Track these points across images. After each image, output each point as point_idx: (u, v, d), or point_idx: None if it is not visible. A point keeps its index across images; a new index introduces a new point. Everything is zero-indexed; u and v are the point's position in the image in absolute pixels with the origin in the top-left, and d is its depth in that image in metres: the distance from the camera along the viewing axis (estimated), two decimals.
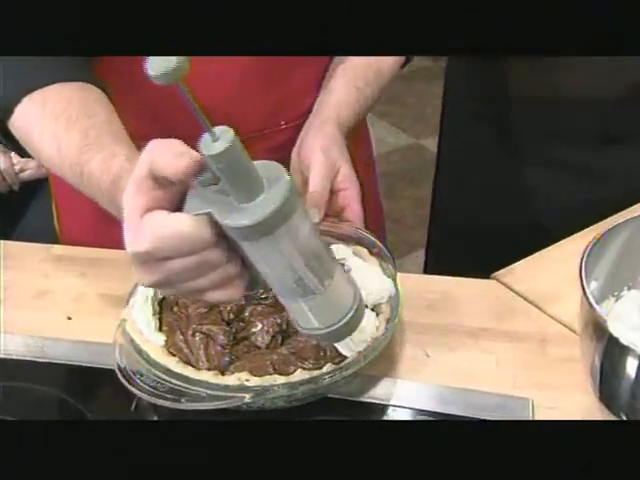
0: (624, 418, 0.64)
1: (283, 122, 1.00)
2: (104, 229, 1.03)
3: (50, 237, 1.11)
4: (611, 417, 0.66)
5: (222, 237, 0.59)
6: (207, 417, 0.70)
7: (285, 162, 0.98)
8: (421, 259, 1.35)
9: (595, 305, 0.61)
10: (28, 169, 1.64)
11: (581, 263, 0.65)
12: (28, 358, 0.83)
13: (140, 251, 0.59)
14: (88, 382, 0.82)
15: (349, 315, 0.64)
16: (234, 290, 0.63)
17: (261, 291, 0.78)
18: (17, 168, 1.64)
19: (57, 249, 1.01)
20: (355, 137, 1.12)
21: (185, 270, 0.60)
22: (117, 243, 1.01)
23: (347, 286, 0.65)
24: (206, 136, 0.54)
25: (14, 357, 0.83)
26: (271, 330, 0.75)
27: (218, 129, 0.55)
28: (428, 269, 1.33)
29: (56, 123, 0.80)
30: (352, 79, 0.97)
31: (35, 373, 0.82)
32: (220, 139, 0.54)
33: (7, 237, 1.08)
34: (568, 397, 0.76)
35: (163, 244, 0.58)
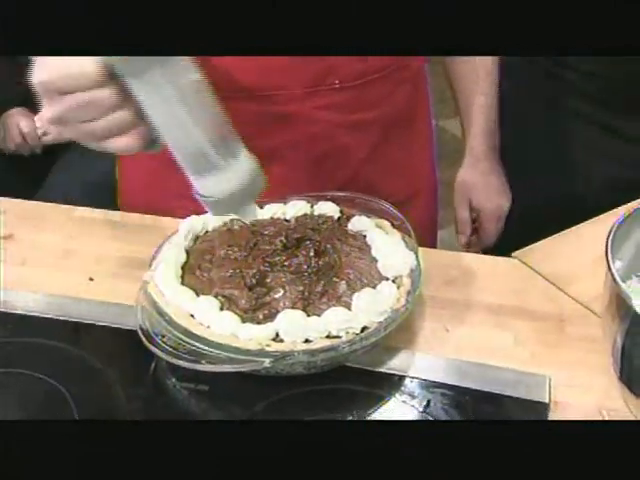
0: None
1: (337, 81, 1.00)
2: (161, 183, 1.06)
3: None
4: (630, 397, 0.66)
5: (116, 82, 0.64)
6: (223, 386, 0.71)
7: (339, 124, 1.01)
8: (443, 237, 1.34)
9: (620, 281, 0.61)
10: (51, 133, 1.65)
11: (607, 241, 0.65)
12: (49, 316, 0.84)
13: (41, 80, 0.65)
14: (108, 341, 0.82)
15: (238, 188, 0.68)
16: (130, 139, 0.67)
17: (285, 258, 0.78)
18: (40, 132, 1.65)
19: (80, 211, 1.01)
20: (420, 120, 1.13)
21: (78, 107, 0.65)
22: (173, 196, 1.04)
23: (241, 157, 0.68)
24: None
25: (35, 314, 0.84)
26: (293, 297, 0.75)
27: None
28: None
29: None
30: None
31: (55, 330, 0.83)
32: None
33: (28, 198, 1.09)
34: (586, 376, 0.76)
35: (58, 76, 0.64)
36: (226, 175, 0.68)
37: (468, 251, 1.25)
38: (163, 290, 0.76)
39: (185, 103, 0.64)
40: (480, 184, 1.21)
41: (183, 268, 0.80)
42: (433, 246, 1.18)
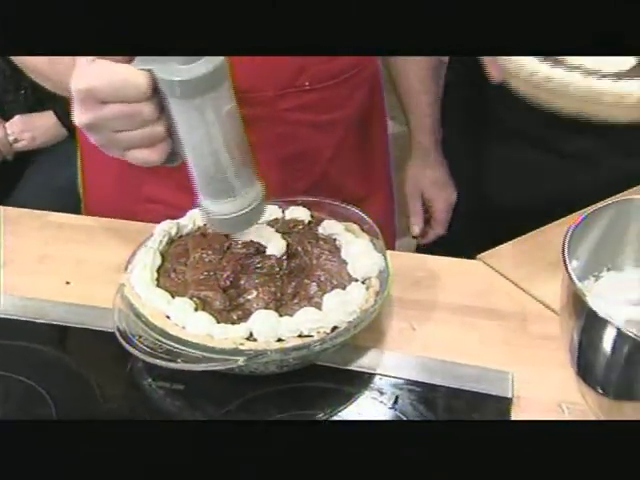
0: (600, 391, 0.67)
1: (307, 83, 1.03)
2: (129, 188, 1.08)
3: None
4: (587, 390, 0.70)
5: (157, 97, 0.66)
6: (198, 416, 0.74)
7: (308, 125, 1.05)
8: (410, 243, 1.38)
9: (576, 280, 0.64)
10: (22, 140, 1.66)
11: (564, 242, 0.68)
12: (26, 319, 0.86)
13: (82, 88, 0.66)
14: (85, 343, 0.84)
15: (245, 210, 0.73)
16: (156, 153, 0.69)
17: (257, 260, 0.80)
18: (11, 139, 1.66)
19: (55, 217, 1.03)
20: (375, 120, 1.17)
21: (117, 117, 0.66)
22: (139, 201, 1.05)
23: (254, 182, 0.74)
24: None
25: (13, 317, 0.86)
26: (266, 298, 0.78)
27: None
28: (418, 251, 1.37)
29: None
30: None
31: (33, 333, 0.85)
32: None
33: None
34: (547, 372, 0.80)
35: (103, 85, 0.65)
36: (239, 199, 0.72)
37: (421, 242, 1.32)
38: (139, 292, 0.79)
39: (221, 128, 0.67)
40: (430, 177, 1.29)
41: (158, 271, 0.82)
42: (392, 242, 1.23)
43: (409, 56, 1.04)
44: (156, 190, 1.10)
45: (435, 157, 1.29)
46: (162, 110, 0.67)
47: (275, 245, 0.81)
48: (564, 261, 0.66)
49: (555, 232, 1.00)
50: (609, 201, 0.73)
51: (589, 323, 0.64)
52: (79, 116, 0.68)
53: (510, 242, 1.00)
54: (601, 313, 0.62)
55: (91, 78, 0.65)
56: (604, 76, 0.91)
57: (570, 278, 0.65)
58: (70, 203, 1.13)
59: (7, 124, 1.66)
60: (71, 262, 0.94)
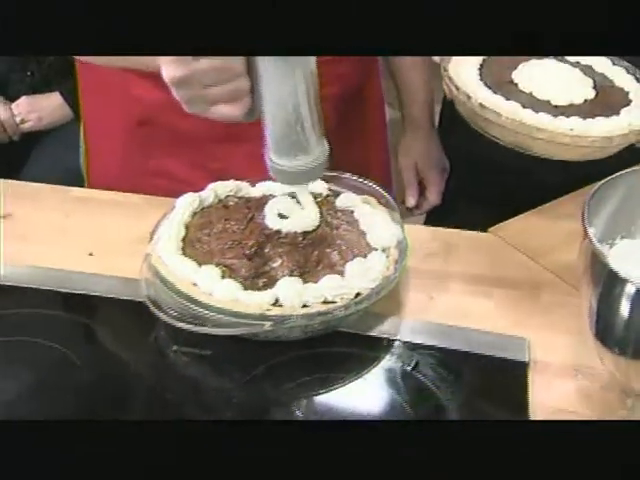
0: (617, 352, 0.70)
1: None
2: (135, 165, 1.10)
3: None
4: (605, 352, 0.72)
5: None
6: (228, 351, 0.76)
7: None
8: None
9: (597, 243, 0.67)
10: (29, 120, 1.67)
11: (583, 208, 0.70)
12: (51, 288, 0.87)
13: None
14: (110, 311, 0.86)
15: (314, 164, 0.75)
16: (240, 107, 0.72)
17: (283, 231, 0.82)
18: (18, 119, 1.66)
19: (75, 191, 1.05)
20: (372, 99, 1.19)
21: (209, 71, 0.68)
22: (148, 175, 1.06)
23: (322, 137, 0.76)
24: None
25: (38, 287, 0.87)
26: (290, 265, 0.80)
27: None
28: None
29: None
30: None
31: (58, 302, 0.87)
32: None
33: None
34: (561, 337, 0.82)
35: None
36: (309, 153, 0.74)
37: (416, 213, 1.34)
38: (166, 262, 0.80)
39: (306, 82, 0.70)
40: (424, 149, 1.31)
41: (183, 241, 0.84)
42: None
43: (409, 56, 1.06)
44: (163, 164, 1.12)
45: (427, 129, 1.31)
46: (249, 65, 0.70)
47: (309, 218, 0.84)
48: (584, 226, 0.69)
49: (564, 207, 1.03)
50: (624, 171, 0.75)
51: (609, 284, 0.66)
52: (172, 70, 0.69)
53: (520, 216, 1.02)
54: (622, 273, 0.64)
55: None
56: (545, 109, 0.87)
57: (591, 241, 0.67)
58: (76, 184, 1.14)
59: (13, 105, 1.66)
60: (93, 234, 0.96)
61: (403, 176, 1.34)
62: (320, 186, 0.92)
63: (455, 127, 1.29)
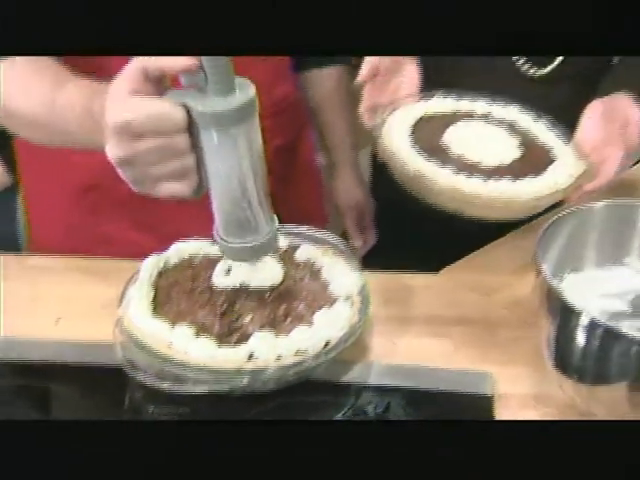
0: (576, 379, 0.75)
1: None
2: (82, 232, 1.11)
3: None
4: (564, 380, 0.77)
5: (190, 128, 0.68)
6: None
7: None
8: None
9: (552, 279, 0.72)
10: None
11: (536, 246, 0.76)
12: (18, 359, 0.88)
13: (121, 121, 0.67)
14: (81, 379, 0.87)
15: (264, 239, 0.77)
16: (186, 185, 0.71)
17: (251, 286, 0.85)
18: None
19: (33, 259, 1.06)
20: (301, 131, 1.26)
21: (153, 150, 0.68)
22: (97, 242, 1.08)
23: (270, 214, 0.77)
24: None
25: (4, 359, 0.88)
26: (261, 320, 0.83)
27: None
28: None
29: (24, 70, 0.85)
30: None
31: (25, 373, 0.87)
32: None
33: None
34: (521, 370, 0.87)
35: (142, 118, 0.67)
36: (257, 230, 0.76)
37: (362, 251, 1.42)
38: (138, 324, 0.82)
39: (250, 157, 0.71)
40: (360, 188, 1.40)
41: (153, 302, 0.86)
42: None
43: (409, 56, 1.10)
44: (110, 230, 1.13)
45: (356, 171, 1.39)
46: (193, 142, 0.70)
47: (274, 273, 0.87)
48: (538, 263, 0.74)
49: (507, 244, 1.09)
50: (570, 210, 0.81)
51: (565, 317, 0.72)
52: (116, 151, 0.69)
53: (468, 256, 1.08)
54: (576, 306, 0.69)
55: (128, 112, 0.67)
56: (478, 173, 0.90)
57: (545, 278, 0.72)
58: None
59: None
60: (57, 301, 0.97)
61: (346, 218, 1.41)
62: (280, 241, 0.95)
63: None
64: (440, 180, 0.88)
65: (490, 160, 0.93)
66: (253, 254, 0.79)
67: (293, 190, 1.25)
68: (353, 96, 1.34)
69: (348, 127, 1.36)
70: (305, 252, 0.94)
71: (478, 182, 0.88)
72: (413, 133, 0.97)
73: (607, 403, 0.74)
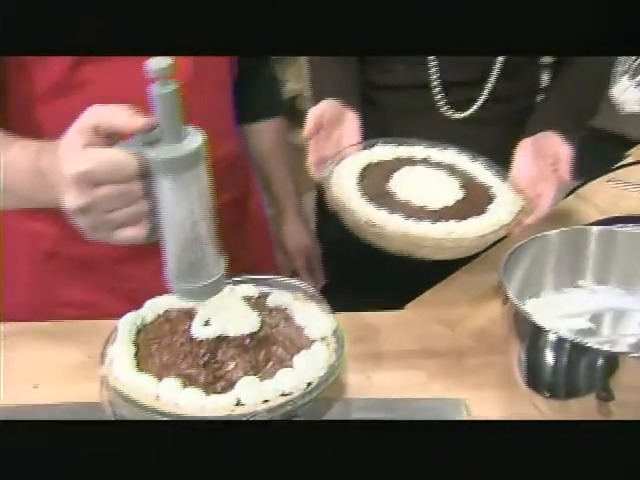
0: (548, 396, 0.80)
1: None
2: (42, 296, 1.12)
3: None
4: (538, 398, 0.82)
5: (143, 175, 0.72)
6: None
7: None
8: None
9: (519, 302, 0.77)
10: None
11: (500, 274, 0.81)
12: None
13: (78, 171, 0.70)
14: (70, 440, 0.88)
15: (214, 278, 0.80)
16: (142, 229, 0.74)
17: (231, 335, 0.88)
18: None
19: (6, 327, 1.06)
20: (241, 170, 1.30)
21: (109, 198, 0.71)
22: (57, 305, 1.09)
23: (218, 255, 0.80)
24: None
25: None
26: (244, 366, 0.85)
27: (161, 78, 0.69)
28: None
29: None
30: None
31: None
32: (166, 85, 0.69)
33: None
34: (493, 393, 0.92)
35: (97, 168, 0.70)
36: (209, 268, 0.79)
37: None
38: (124, 380, 0.84)
39: (201, 201, 0.75)
40: (306, 233, 1.44)
41: (136, 358, 0.88)
42: None
43: (409, 56, 1.15)
44: (72, 294, 1.15)
45: (300, 217, 1.44)
46: (147, 189, 0.73)
47: (250, 320, 0.90)
48: (504, 289, 0.79)
49: (463, 277, 1.15)
50: (529, 238, 0.87)
51: (534, 337, 0.77)
52: (73, 200, 0.72)
53: (429, 291, 1.13)
54: (544, 326, 0.75)
55: (84, 162, 0.70)
56: (425, 217, 0.94)
57: (513, 302, 0.77)
58: None
59: None
60: (32, 366, 0.97)
61: (297, 264, 1.45)
62: (250, 289, 0.99)
63: None
64: (391, 227, 0.93)
65: (435, 203, 0.99)
66: (204, 294, 0.82)
67: (244, 241, 1.29)
68: (292, 146, 1.41)
69: (290, 175, 1.42)
70: (277, 299, 0.98)
71: (427, 225, 0.94)
72: (361, 181, 1.03)
73: (579, 415, 0.78)
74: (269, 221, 1.44)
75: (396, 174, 1.04)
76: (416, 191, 1.00)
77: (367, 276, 1.28)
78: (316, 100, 1.09)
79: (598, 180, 1.47)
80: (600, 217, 1.29)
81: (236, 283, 1.00)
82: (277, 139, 1.40)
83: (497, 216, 0.99)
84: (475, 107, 1.21)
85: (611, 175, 1.47)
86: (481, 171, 1.09)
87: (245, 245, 1.28)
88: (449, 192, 1.03)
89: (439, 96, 1.20)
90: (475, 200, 1.02)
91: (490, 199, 1.03)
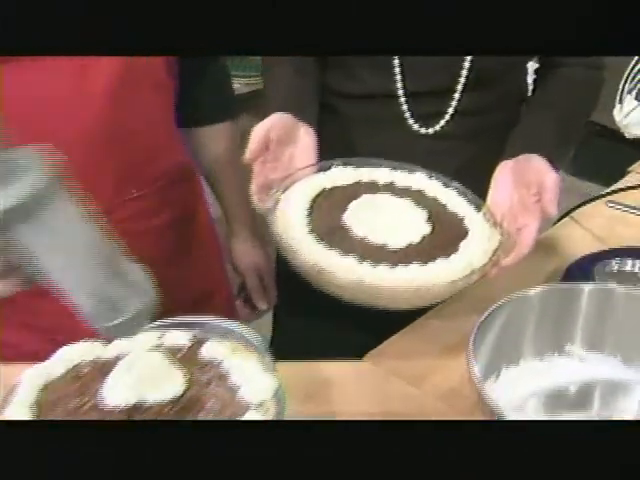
0: None
1: (134, 190, 1.03)
2: None
3: None
4: None
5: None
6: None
7: (140, 234, 1.03)
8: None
9: (482, 382, 0.64)
10: None
11: (470, 343, 0.67)
12: None
13: None
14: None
15: (138, 309, 0.70)
16: (9, 283, 0.69)
17: (149, 402, 0.74)
18: None
19: None
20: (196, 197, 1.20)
21: None
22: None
23: (141, 282, 0.71)
24: None
25: None
26: None
27: None
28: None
29: None
30: None
31: None
32: None
33: None
34: None
35: None
36: (127, 301, 0.69)
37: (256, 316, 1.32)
38: None
39: (80, 235, 0.65)
40: (259, 248, 1.28)
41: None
42: None
43: (409, 56, 1.03)
44: None
45: (252, 233, 1.28)
46: (9, 240, 0.64)
47: (175, 383, 0.76)
48: (470, 367, 0.65)
49: (429, 324, 1.00)
50: (504, 300, 0.73)
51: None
52: None
53: (393, 337, 0.99)
54: (504, 414, 0.61)
55: None
56: (383, 260, 0.81)
57: (479, 388, 0.64)
58: None
59: None
60: None
61: (247, 281, 1.31)
62: (182, 338, 0.84)
63: None
64: (341, 274, 0.79)
65: (397, 241, 0.84)
66: (131, 328, 0.72)
67: (191, 264, 1.19)
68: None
69: (243, 186, 1.25)
70: (211, 349, 0.83)
71: (384, 271, 0.79)
72: (310, 213, 0.88)
73: None
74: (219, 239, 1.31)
75: (353, 203, 0.89)
76: (375, 225, 0.86)
77: (322, 314, 1.13)
78: (266, 111, 0.94)
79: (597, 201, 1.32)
80: (594, 245, 1.16)
81: (167, 328, 0.86)
82: (228, 145, 1.24)
83: (470, 256, 0.85)
84: (443, 122, 1.06)
85: (611, 197, 1.32)
86: (454, 199, 0.95)
87: (192, 267, 1.19)
88: (415, 226, 0.88)
89: (404, 107, 1.05)
90: (445, 235, 0.88)
91: (463, 234, 0.89)
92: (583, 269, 1.03)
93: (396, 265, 0.80)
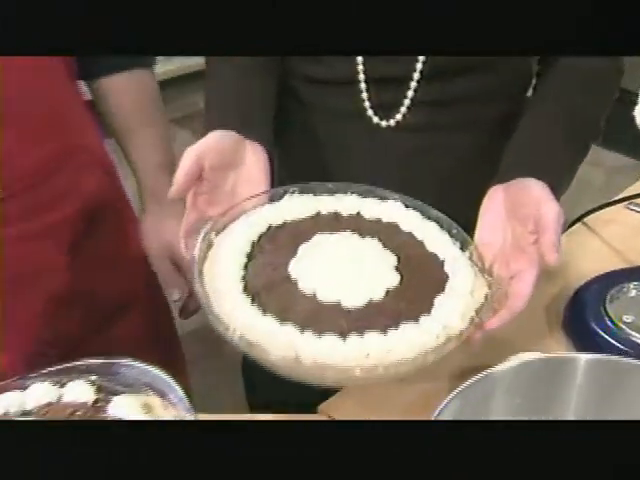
0: None
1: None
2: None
3: None
4: None
5: None
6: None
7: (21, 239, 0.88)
8: None
9: None
10: None
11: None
12: None
13: None
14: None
15: None
16: None
17: None
18: None
19: None
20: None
21: None
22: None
23: None
24: None
25: None
26: None
27: None
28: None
29: None
30: None
31: None
32: None
33: None
34: None
35: None
36: None
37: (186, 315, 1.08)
38: None
39: None
40: (174, 227, 0.90)
41: None
42: None
43: (408, 56, 0.90)
44: None
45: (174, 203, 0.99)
46: None
47: None
48: None
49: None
50: (477, 377, 0.58)
51: None
52: None
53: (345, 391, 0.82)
54: None
55: None
56: (333, 324, 0.64)
57: None
58: None
59: None
60: None
61: (158, 266, 1.06)
62: (85, 393, 0.69)
63: None
64: (275, 349, 0.62)
65: (354, 298, 0.66)
66: None
67: (116, 259, 1.02)
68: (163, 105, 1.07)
69: (159, 144, 1.05)
70: (120, 407, 0.68)
71: (332, 343, 0.62)
72: (247, 264, 0.71)
73: None
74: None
75: (302, 247, 0.72)
76: (329, 277, 0.68)
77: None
78: (205, 127, 0.77)
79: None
80: (610, 261, 0.99)
81: (69, 379, 0.71)
82: (140, 99, 1.03)
83: (447, 317, 0.66)
84: (400, 115, 0.90)
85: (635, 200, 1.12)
86: (434, 234, 0.76)
87: (115, 277, 1.02)
88: (379, 277, 0.69)
89: (364, 94, 0.90)
90: (417, 288, 0.69)
91: (440, 284, 0.70)
92: (594, 294, 0.87)
93: (348, 334, 0.63)
